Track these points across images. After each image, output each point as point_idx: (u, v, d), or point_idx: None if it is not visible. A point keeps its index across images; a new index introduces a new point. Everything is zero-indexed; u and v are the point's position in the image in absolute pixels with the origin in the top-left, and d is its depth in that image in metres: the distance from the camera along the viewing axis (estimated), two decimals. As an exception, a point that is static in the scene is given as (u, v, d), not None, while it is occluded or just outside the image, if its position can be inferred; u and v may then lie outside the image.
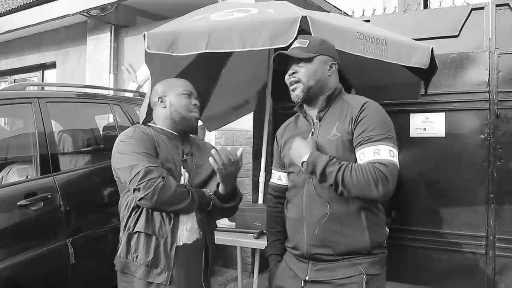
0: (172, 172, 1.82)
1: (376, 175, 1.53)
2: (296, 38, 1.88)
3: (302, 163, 1.63)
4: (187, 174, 1.90)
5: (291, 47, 1.80)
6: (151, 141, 1.83)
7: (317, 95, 1.74)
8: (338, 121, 1.69)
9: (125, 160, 1.76)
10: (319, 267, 1.70)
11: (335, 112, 1.73)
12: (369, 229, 1.65)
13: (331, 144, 1.66)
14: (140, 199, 1.71)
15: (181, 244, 1.83)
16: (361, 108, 1.66)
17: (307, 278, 1.71)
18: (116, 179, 1.89)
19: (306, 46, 1.74)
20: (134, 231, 1.79)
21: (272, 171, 2.03)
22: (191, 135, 2.07)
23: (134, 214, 1.81)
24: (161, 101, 1.96)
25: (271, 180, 2.03)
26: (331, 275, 1.66)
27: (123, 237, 1.84)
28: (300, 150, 1.66)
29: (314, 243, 1.68)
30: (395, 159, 1.59)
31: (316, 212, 1.67)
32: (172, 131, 1.94)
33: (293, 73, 1.74)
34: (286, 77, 1.78)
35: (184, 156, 1.92)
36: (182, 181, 1.88)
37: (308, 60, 1.72)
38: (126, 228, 1.82)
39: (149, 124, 1.99)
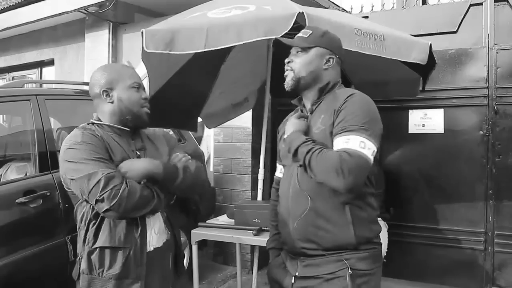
0: None
1: (339, 163, 1.47)
2: (294, 30, 1.89)
3: (284, 140, 1.69)
4: None
5: (295, 37, 1.80)
6: (103, 144, 1.65)
7: (308, 86, 1.74)
8: (324, 114, 1.68)
9: (80, 170, 1.56)
10: (307, 263, 1.69)
11: (324, 105, 1.72)
12: (354, 224, 1.61)
13: (316, 137, 1.66)
14: (106, 210, 1.53)
15: (152, 249, 1.70)
16: (344, 100, 1.62)
17: (297, 274, 1.71)
18: (66, 189, 1.69)
19: (307, 36, 1.74)
20: (95, 247, 1.60)
21: (277, 164, 2.05)
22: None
23: (92, 226, 1.62)
24: (107, 95, 1.74)
25: (275, 174, 2.05)
26: (318, 270, 1.65)
27: (83, 252, 1.64)
28: (287, 128, 1.72)
29: (299, 237, 1.68)
30: (365, 151, 1.51)
31: (298, 205, 1.67)
32: (122, 127, 1.75)
33: (289, 62, 1.76)
34: (285, 64, 1.79)
35: (137, 152, 1.75)
36: None
37: (304, 49, 1.73)
38: (86, 243, 1.62)
39: (92, 121, 1.78)
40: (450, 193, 3.94)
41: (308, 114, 1.76)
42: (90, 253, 1.61)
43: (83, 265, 1.63)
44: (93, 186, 1.52)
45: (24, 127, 3.16)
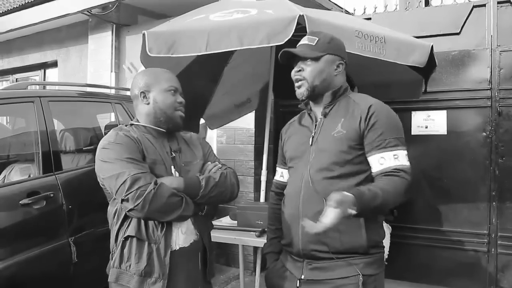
0: (162, 175, 1.71)
1: (403, 186, 1.58)
2: (298, 31, 1.88)
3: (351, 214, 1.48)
4: (177, 174, 1.78)
5: (298, 44, 1.78)
6: (136, 145, 1.70)
7: (321, 93, 1.74)
8: (344, 117, 1.68)
9: (109, 169, 1.63)
10: (314, 266, 1.68)
11: (341, 109, 1.72)
12: (367, 227, 1.63)
13: (335, 140, 1.66)
14: (130, 210, 1.59)
15: (177, 248, 1.72)
16: (370, 109, 1.65)
17: (302, 277, 1.69)
18: (101, 186, 1.76)
19: (314, 44, 1.72)
20: (125, 235, 1.67)
21: (276, 168, 2.02)
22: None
23: (126, 223, 1.69)
24: (144, 96, 1.81)
25: (274, 177, 2.02)
26: (327, 274, 1.64)
27: (117, 245, 1.71)
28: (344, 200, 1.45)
29: (310, 239, 1.65)
30: (408, 162, 1.64)
31: (312, 207, 1.64)
32: (158, 128, 1.81)
33: (299, 70, 1.73)
34: (292, 73, 1.76)
35: (173, 153, 1.80)
36: None
37: (315, 59, 1.71)
38: (120, 237, 1.70)
39: (131, 122, 1.85)
40: (453, 194, 3.94)
41: (321, 117, 1.74)
42: (123, 246, 1.68)
43: (115, 257, 1.70)
44: (120, 186, 1.58)
45: (27, 128, 3.17)
